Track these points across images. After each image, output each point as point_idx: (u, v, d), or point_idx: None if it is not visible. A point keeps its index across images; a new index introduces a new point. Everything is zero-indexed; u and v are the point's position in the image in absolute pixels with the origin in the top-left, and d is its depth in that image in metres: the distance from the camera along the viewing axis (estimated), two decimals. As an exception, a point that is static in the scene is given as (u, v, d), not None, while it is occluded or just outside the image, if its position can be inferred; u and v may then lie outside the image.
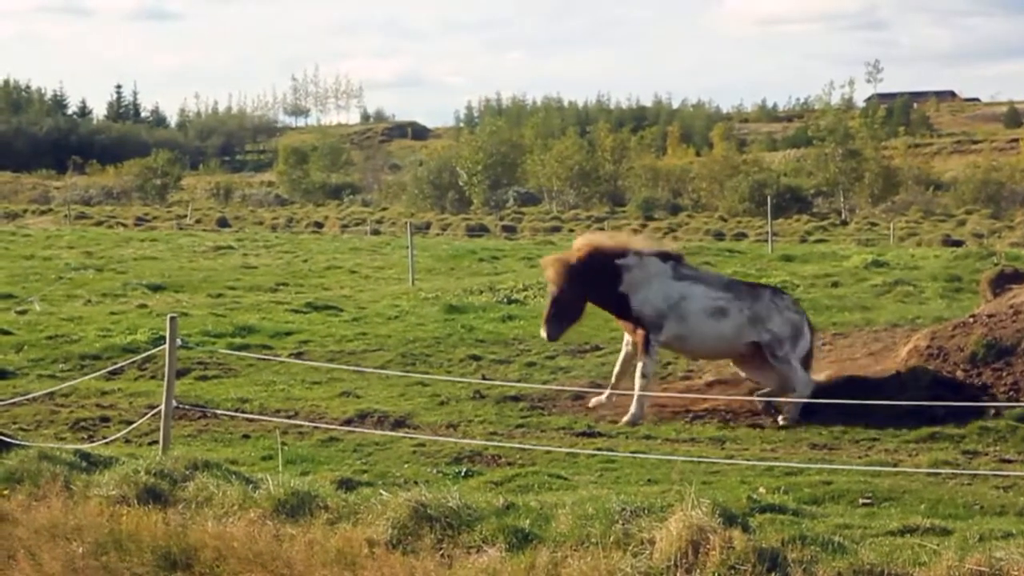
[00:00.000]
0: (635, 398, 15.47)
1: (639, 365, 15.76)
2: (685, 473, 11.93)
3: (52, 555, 9.90)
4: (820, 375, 16.24)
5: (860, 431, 14.16)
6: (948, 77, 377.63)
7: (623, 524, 8.70)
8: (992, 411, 14.39)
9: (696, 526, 8.39)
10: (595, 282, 15.91)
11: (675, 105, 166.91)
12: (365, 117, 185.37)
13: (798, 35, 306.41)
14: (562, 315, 15.96)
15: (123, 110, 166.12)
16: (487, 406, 15.87)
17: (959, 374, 15.36)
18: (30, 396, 15.97)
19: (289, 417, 15.18)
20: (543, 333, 16.16)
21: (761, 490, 11.12)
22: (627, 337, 16.24)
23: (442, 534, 9.14)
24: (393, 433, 14.27)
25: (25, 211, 73.77)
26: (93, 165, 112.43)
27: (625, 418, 15.30)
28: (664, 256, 16.23)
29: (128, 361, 17.53)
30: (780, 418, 15.15)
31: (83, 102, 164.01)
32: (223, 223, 64.14)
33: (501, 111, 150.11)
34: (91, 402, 16.30)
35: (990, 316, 16.06)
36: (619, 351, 17.70)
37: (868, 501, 11.01)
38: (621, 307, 16.01)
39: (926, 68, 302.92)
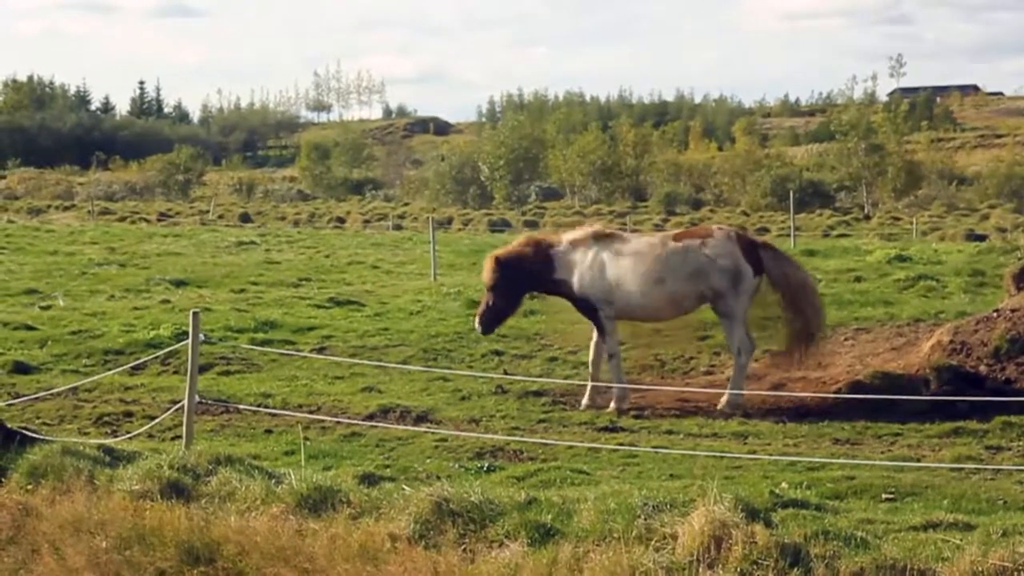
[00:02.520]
0: (615, 379, 15.74)
1: (604, 348, 16.05)
2: (708, 468, 11.93)
3: (76, 549, 9.94)
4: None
5: (883, 426, 14.13)
6: (972, 71, 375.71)
7: (645, 519, 8.69)
8: (1016, 406, 14.33)
9: (718, 521, 8.38)
10: (531, 273, 16.33)
11: (697, 100, 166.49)
12: (387, 112, 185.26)
13: (821, 29, 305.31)
14: (497, 309, 16.48)
15: (146, 106, 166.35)
16: (509, 401, 15.88)
17: (982, 369, 15.32)
18: (54, 391, 16.04)
19: (311, 412, 15.21)
20: (476, 326, 16.79)
21: (783, 485, 11.10)
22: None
23: (464, 529, 9.14)
24: (415, 428, 14.30)
25: (49, 207, 73.98)
26: (116, 161, 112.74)
27: (612, 405, 15.52)
28: (597, 236, 16.41)
29: (151, 356, 17.58)
30: (719, 405, 15.28)
31: (106, 98, 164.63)
32: (245, 218, 64.27)
33: (523, 106, 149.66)
34: (114, 397, 16.36)
35: (1013, 311, 16.00)
36: (641, 346, 17.75)
37: (891, 496, 10.99)
38: (565, 293, 16.34)
39: (950, 62, 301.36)
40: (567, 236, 16.65)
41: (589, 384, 15.97)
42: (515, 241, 16.99)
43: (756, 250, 16.15)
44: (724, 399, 15.43)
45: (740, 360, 15.76)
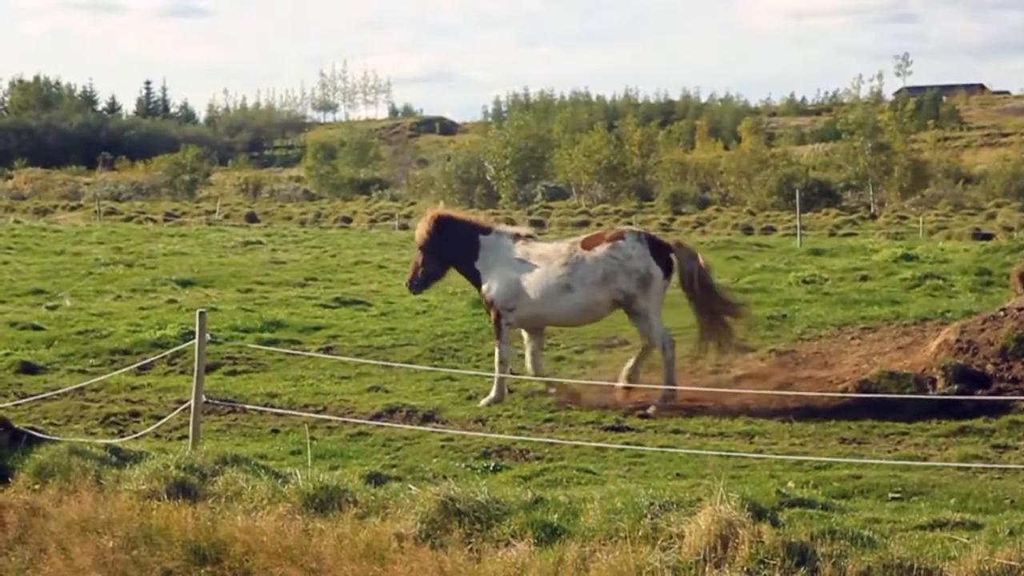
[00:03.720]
0: (495, 382, 15.88)
1: (496, 351, 16.30)
2: (717, 468, 11.92)
3: (83, 549, 9.95)
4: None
5: (889, 425, 14.11)
6: (978, 70, 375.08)
7: (652, 518, 8.69)
8: (1022, 405, 14.32)
9: (725, 520, 8.38)
10: (458, 247, 16.47)
11: (703, 99, 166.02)
12: (393, 112, 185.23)
13: (827, 28, 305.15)
14: (426, 269, 16.74)
15: (152, 106, 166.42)
16: (515, 400, 15.88)
17: (989, 368, 15.30)
18: (60, 391, 16.06)
19: (318, 412, 15.22)
20: (407, 284, 17.14)
21: (790, 484, 11.10)
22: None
23: (471, 528, 9.14)
24: (422, 428, 14.30)
25: (55, 207, 74.07)
26: (122, 161, 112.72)
27: (484, 400, 15.70)
28: (516, 237, 16.52)
29: (158, 356, 17.59)
30: (650, 408, 15.29)
31: (112, 98, 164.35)
32: (252, 218, 64.32)
33: (529, 105, 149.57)
34: (121, 397, 16.38)
35: (1020, 310, 15.98)
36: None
37: (898, 495, 10.98)
38: (475, 282, 16.57)
39: (956, 61, 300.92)
40: (498, 227, 16.90)
41: (559, 380, 16.15)
42: (461, 213, 17.23)
43: (667, 251, 16.22)
44: (658, 398, 15.47)
45: (667, 355, 15.85)
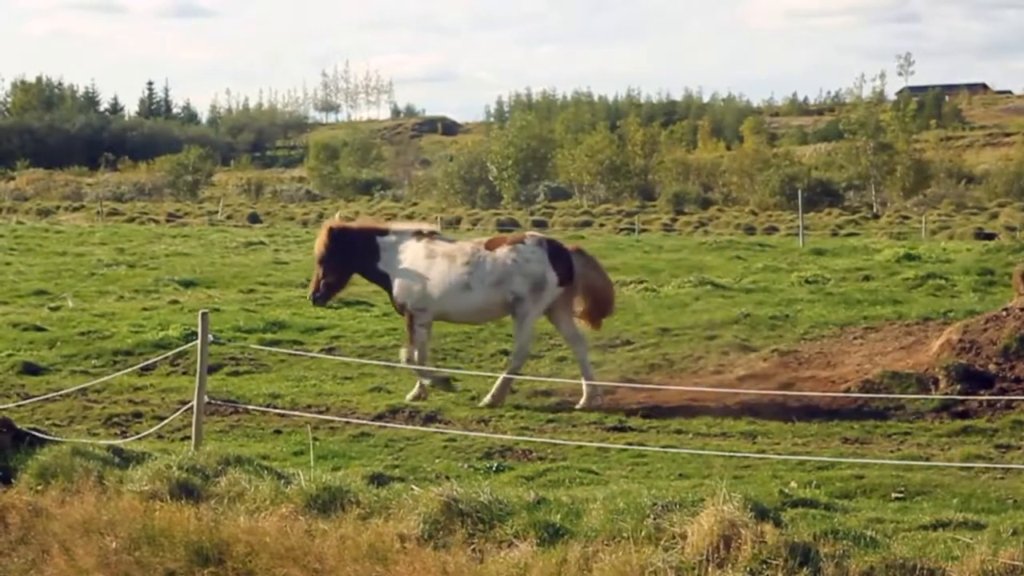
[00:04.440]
0: (417, 382, 16.07)
1: (404, 352, 16.50)
2: (720, 468, 11.91)
3: (86, 550, 9.96)
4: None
5: (892, 425, 14.11)
6: (980, 69, 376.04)
7: (654, 519, 8.68)
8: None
9: (728, 521, 8.37)
10: (357, 254, 16.59)
11: (706, 99, 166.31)
12: (395, 112, 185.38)
13: (829, 28, 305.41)
14: (328, 283, 16.83)
15: (155, 107, 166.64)
16: (518, 401, 15.88)
17: (992, 368, 15.30)
18: (63, 392, 16.06)
19: (320, 412, 15.22)
20: (310, 298, 17.31)
21: (793, 484, 11.10)
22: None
23: (473, 529, 9.14)
24: (424, 428, 14.31)
25: (58, 208, 74.10)
26: (125, 162, 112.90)
27: (409, 395, 15.88)
28: (419, 234, 16.64)
29: (160, 357, 17.58)
30: (578, 405, 15.49)
31: (115, 99, 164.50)
32: (254, 219, 64.37)
33: (531, 106, 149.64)
34: (123, 398, 16.38)
35: (1023, 309, 15.98)
36: (649, 345, 17.74)
37: (900, 495, 10.97)
38: (384, 285, 16.68)
39: (958, 60, 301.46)
40: (396, 227, 17.07)
41: (501, 376, 16.17)
42: (357, 219, 17.41)
43: (567, 257, 16.34)
44: (490, 394, 15.77)
45: (516, 363, 16.14)
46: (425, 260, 16.28)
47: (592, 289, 16.44)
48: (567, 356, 18.63)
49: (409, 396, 15.89)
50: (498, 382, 15.81)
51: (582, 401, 15.58)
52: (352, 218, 17.38)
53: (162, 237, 46.43)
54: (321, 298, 17.08)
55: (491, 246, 16.37)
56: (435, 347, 19.63)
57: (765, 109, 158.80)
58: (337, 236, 16.70)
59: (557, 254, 16.25)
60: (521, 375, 16.93)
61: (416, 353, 16.30)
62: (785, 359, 17.70)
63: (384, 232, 16.75)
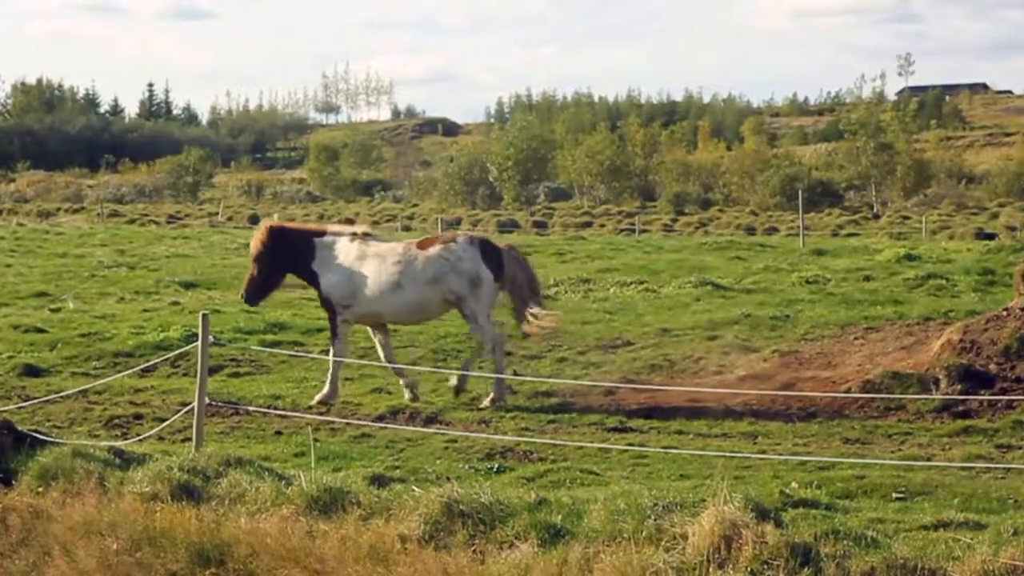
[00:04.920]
0: (328, 379, 16.15)
1: (331, 349, 16.66)
2: (720, 469, 11.90)
3: (87, 551, 9.96)
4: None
5: (893, 425, 14.11)
6: (981, 69, 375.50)
7: (655, 519, 8.69)
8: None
9: (729, 521, 8.37)
10: (293, 253, 16.78)
11: (706, 99, 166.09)
12: (396, 114, 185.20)
13: (829, 28, 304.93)
14: (260, 281, 17.01)
15: (155, 108, 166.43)
16: (518, 402, 15.88)
17: (992, 368, 15.29)
18: (64, 394, 16.06)
19: (321, 413, 15.25)
20: (242, 296, 17.51)
21: (794, 485, 11.10)
22: (369, 329, 17.09)
23: (474, 530, 9.14)
24: (425, 429, 14.32)
25: (58, 209, 74.12)
26: (125, 163, 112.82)
27: (317, 396, 16.01)
28: (353, 236, 16.90)
29: (161, 358, 17.60)
30: (485, 401, 15.71)
31: (115, 100, 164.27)
32: (255, 220, 64.20)
33: (532, 106, 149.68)
34: (124, 399, 16.39)
35: (1023, 309, 15.98)
36: (650, 346, 17.75)
37: (901, 495, 10.98)
38: (315, 284, 16.85)
39: (958, 60, 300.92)
40: (332, 228, 17.33)
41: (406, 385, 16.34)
42: (293, 221, 17.53)
43: (498, 255, 16.59)
44: (490, 396, 15.87)
45: (496, 356, 16.29)
46: (357, 260, 16.55)
47: (521, 286, 16.67)
48: (568, 357, 18.65)
49: (485, 402, 15.84)
50: (493, 383, 15.93)
51: (487, 400, 15.81)
52: (292, 219, 17.66)
53: (163, 239, 46.41)
54: (253, 297, 17.26)
55: (423, 246, 16.69)
56: (436, 348, 19.67)
57: (765, 109, 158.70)
58: (275, 235, 16.94)
59: (488, 252, 16.56)
60: (522, 376, 16.95)
61: (336, 349, 16.52)
62: (786, 359, 17.70)
63: (321, 233, 17.02)
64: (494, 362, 16.29)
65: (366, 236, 16.97)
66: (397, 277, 16.32)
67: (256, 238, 17.12)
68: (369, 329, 17.10)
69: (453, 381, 16.27)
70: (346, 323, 16.60)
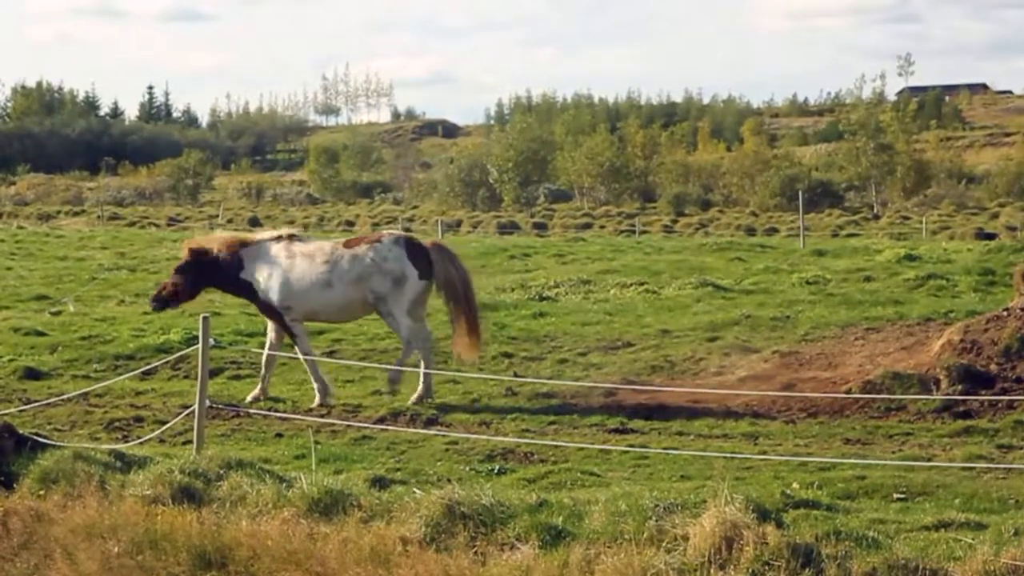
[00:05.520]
0: (313, 379, 16.27)
1: (297, 349, 16.76)
2: (721, 470, 11.90)
3: (88, 554, 9.96)
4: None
5: (894, 426, 14.11)
6: (980, 70, 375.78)
7: (656, 520, 8.69)
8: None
9: (730, 522, 8.38)
10: (219, 269, 16.92)
11: (706, 100, 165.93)
12: (396, 115, 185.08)
13: (829, 29, 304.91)
14: (175, 293, 17.28)
15: (155, 111, 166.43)
16: (519, 403, 15.88)
17: (993, 368, 15.30)
18: (64, 397, 16.06)
19: (322, 416, 15.25)
20: (150, 302, 17.87)
21: (795, 485, 11.10)
22: (269, 324, 17.17)
23: (475, 531, 9.15)
24: (426, 431, 14.32)
25: (58, 212, 74.14)
26: (125, 166, 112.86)
27: (317, 399, 16.07)
28: (278, 239, 17.03)
29: (161, 361, 17.61)
30: (412, 398, 15.94)
31: (115, 103, 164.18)
32: (255, 222, 64.26)
33: (531, 108, 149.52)
34: (125, 402, 16.39)
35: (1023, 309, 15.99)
36: (650, 347, 17.74)
37: (902, 496, 10.98)
38: (249, 294, 16.98)
39: (958, 61, 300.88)
40: (257, 236, 17.38)
41: (260, 385, 16.58)
42: (216, 235, 17.80)
43: (426, 254, 16.72)
44: (417, 393, 16.12)
45: (408, 348, 16.53)
46: (286, 261, 16.66)
47: (452, 284, 16.78)
48: (568, 358, 18.65)
49: (412, 399, 15.96)
50: (420, 379, 16.14)
51: (414, 397, 16.01)
52: (210, 235, 17.79)
53: (163, 241, 46.36)
54: (161, 305, 17.58)
55: (350, 245, 16.83)
56: (435, 349, 19.65)
57: (765, 110, 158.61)
58: (199, 254, 17.10)
59: (415, 251, 16.69)
60: (523, 377, 16.94)
61: (301, 347, 16.67)
62: (786, 360, 17.69)
63: (245, 243, 17.09)
64: (421, 363, 16.35)
65: (292, 237, 17.10)
66: (326, 276, 16.46)
67: (185, 252, 17.39)
68: (268, 326, 17.18)
69: (388, 380, 16.48)
70: (296, 321, 16.65)
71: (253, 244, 17.00)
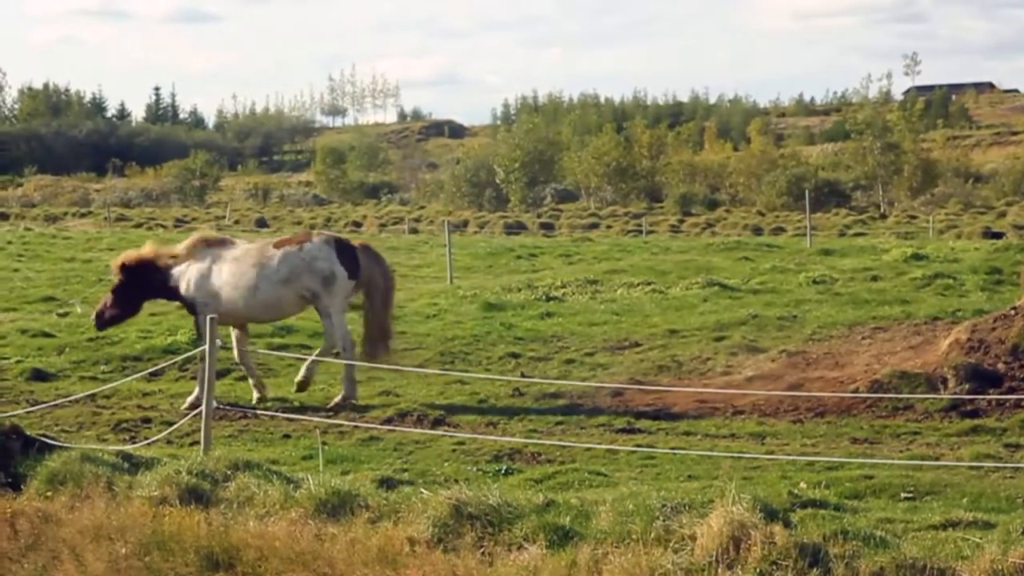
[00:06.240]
0: (199, 381, 16.13)
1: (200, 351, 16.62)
2: (728, 470, 11.90)
3: (96, 555, 9.97)
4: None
5: (901, 425, 14.11)
6: (987, 68, 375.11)
7: (664, 520, 8.68)
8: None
9: (737, 522, 8.37)
10: (151, 281, 17.15)
11: (712, 100, 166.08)
12: (402, 116, 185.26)
13: (835, 28, 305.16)
14: (115, 310, 17.41)
15: (161, 112, 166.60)
16: (526, 404, 15.87)
17: (1000, 367, 15.28)
18: (72, 398, 16.08)
19: (329, 416, 15.24)
20: (93, 321, 17.79)
21: (802, 485, 11.09)
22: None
23: (483, 532, 9.14)
24: (433, 431, 14.32)
25: (65, 213, 74.11)
26: (132, 167, 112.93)
27: (190, 399, 16.03)
28: (207, 242, 17.31)
29: (169, 362, 17.64)
30: (335, 400, 16.16)
31: (122, 104, 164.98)
32: (261, 223, 64.32)
33: (538, 108, 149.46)
34: (132, 403, 16.41)
35: (1031, 308, 15.97)
36: (658, 347, 17.73)
37: (910, 495, 10.97)
38: (180, 299, 17.23)
39: (964, 60, 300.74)
40: (181, 245, 17.53)
41: (252, 383, 16.85)
42: (144, 247, 17.83)
43: (354, 254, 16.93)
44: (338, 397, 16.25)
45: (345, 355, 16.47)
46: (213, 263, 16.87)
47: (376, 285, 17.01)
48: (575, 358, 18.65)
49: (335, 400, 16.22)
50: (306, 363, 16.49)
51: (338, 398, 16.21)
52: (140, 247, 17.89)
53: (170, 243, 46.37)
54: (105, 324, 17.68)
55: (279, 245, 16.98)
56: (443, 351, 19.67)
57: (772, 110, 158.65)
58: (127, 270, 17.24)
59: (343, 250, 16.88)
60: (530, 377, 16.95)
61: (236, 353, 17.06)
62: (793, 360, 17.69)
63: (174, 254, 17.25)
64: (345, 362, 16.38)
65: (221, 241, 17.41)
66: (255, 278, 16.61)
67: (112, 272, 17.60)
68: (231, 328, 17.21)
69: (301, 375, 16.62)
70: (210, 319, 16.76)
71: (181, 251, 17.16)
